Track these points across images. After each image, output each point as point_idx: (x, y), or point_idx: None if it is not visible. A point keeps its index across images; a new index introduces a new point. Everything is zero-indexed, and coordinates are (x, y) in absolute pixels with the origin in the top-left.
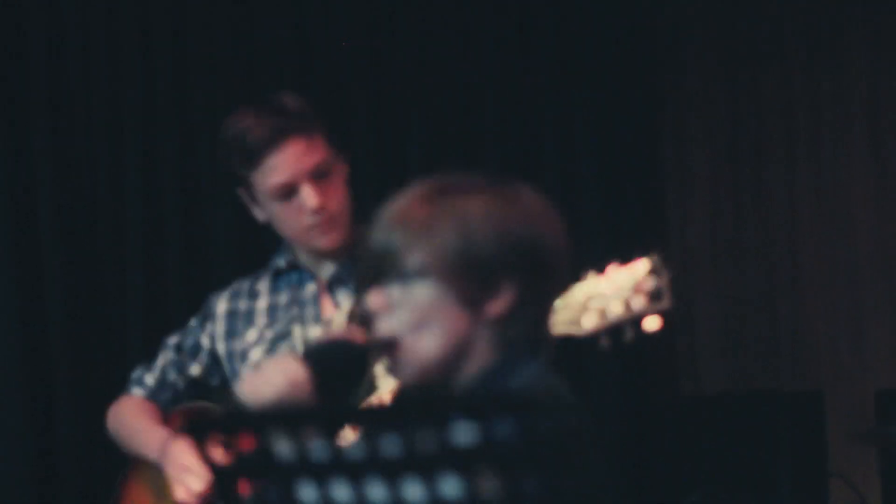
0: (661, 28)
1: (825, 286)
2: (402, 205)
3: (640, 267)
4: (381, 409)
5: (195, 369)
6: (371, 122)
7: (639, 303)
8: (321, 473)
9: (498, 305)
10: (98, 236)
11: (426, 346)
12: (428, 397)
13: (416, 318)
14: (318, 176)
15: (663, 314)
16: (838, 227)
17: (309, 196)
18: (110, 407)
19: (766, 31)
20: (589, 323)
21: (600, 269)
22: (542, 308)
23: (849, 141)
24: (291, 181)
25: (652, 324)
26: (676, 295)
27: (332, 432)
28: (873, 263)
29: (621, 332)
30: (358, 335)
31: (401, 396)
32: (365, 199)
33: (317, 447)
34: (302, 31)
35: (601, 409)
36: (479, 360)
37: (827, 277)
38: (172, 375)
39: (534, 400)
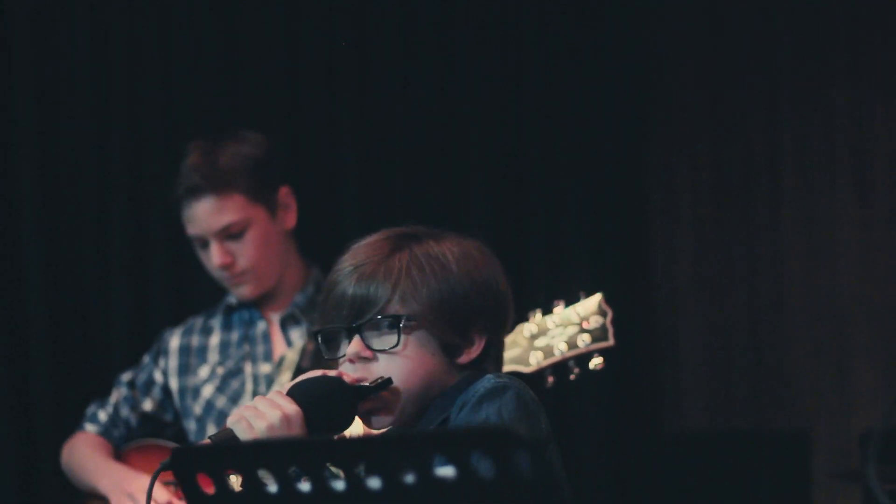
0: (650, 69)
1: (810, 325)
2: (374, 252)
3: (586, 305)
4: (366, 445)
5: (148, 405)
6: (355, 141)
7: (583, 341)
8: None
9: (471, 354)
10: (82, 256)
11: (408, 390)
12: (409, 433)
13: (402, 365)
14: (228, 236)
15: (607, 352)
16: (823, 266)
17: (215, 254)
18: (64, 444)
19: (753, 71)
20: (535, 361)
21: (547, 308)
22: (500, 351)
23: (834, 181)
24: (202, 236)
25: (596, 362)
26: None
27: (318, 467)
28: (858, 303)
29: (566, 369)
30: (346, 373)
31: (383, 433)
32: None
33: (302, 482)
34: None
35: (583, 446)
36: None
37: (812, 317)
38: (125, 411)
39: (512, 433)
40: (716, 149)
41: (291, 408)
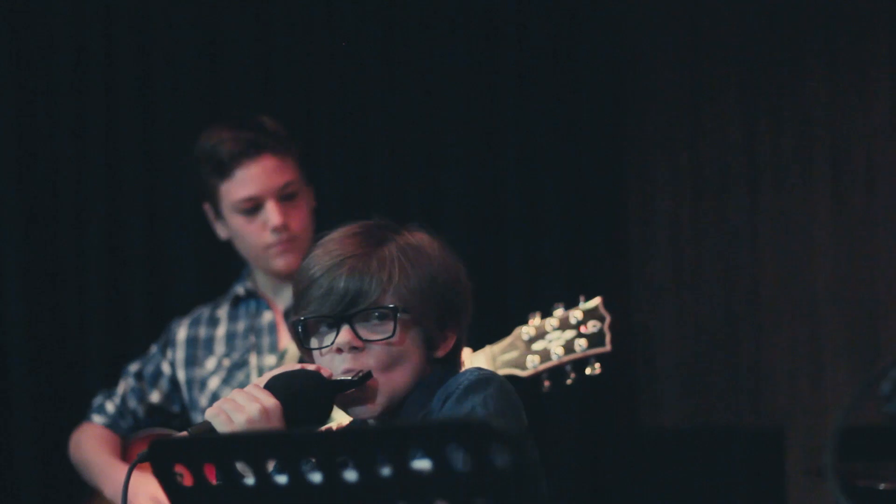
0: (626, 68)
1: (785, 323)
2: (361, 244)
3: (585, 309)
4: (342, 437)
5: (155, 396)
6: (335, 140)
7: (580, 346)
8: (282, 501)
9: (445, 348)
10: (59, 256)
11: (392, 381)
12: (385, 426)
13: (393, 356)
14: (285, 197)
15: (604, 358)
16: (799, 265)
17: (273, 213)
18: (72, 435)
19: (728, 69)
20: (531, 364)
21: (547, 311)
22: (463, 342)
23: (810, 179)
24: (259, 195)
25: (592, 368)
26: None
27: (295, 459)
28: (833, 301)
29: (563, 374)
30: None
31: (358, 426)
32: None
33: (279, 474)
34: (270, 58)
35: (559, 441)
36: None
37: (787, 314)
38: (133, 403)
39: (488, 426)
40: (693, 149)
41: (270, 401)
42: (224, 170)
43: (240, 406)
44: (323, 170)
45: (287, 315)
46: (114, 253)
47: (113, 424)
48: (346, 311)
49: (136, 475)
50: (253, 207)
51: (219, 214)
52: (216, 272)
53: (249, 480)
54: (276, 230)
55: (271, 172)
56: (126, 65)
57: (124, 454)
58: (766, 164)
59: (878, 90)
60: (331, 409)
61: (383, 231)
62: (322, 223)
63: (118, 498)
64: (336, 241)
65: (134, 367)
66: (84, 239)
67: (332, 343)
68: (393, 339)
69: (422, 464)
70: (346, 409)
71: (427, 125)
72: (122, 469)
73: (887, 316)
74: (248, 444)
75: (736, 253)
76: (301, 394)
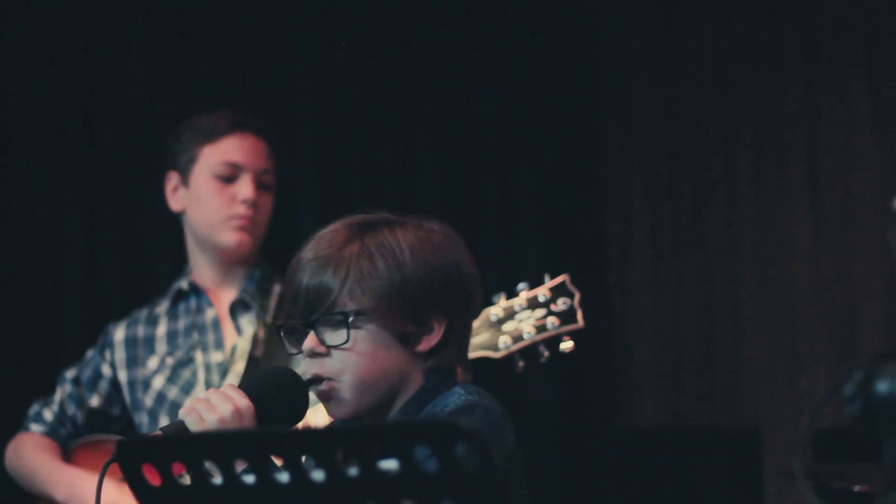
0: (605, 66)
1: (763, 325)
2: (329, 243)
3: (553, 287)
4: (308, 437)
5: (95, 400)
6: (314, 120)
7: (552, 323)
8: (250, 501)
9: (431, 340)
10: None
11: (363, 385)
12: (353, 426)
13: (357, 360)
14: (261, 183)
15: (576, 334)
16: (777, 266)
17: (248, 186)
18: (8, 445)
19: (707, 70)
20: (504, 345)
21: (512, 292)
22: (465, 334)
23: (788, 181)
24: (241, 165)
25: (566, 345)
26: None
27: (262, 459)
28: (811, 302)
29: (536, 353)
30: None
31: (329, 426)
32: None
33: (247, 474)
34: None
35: (537, 441)
36: (412, 389)
37: (765, 316)
38: (71, 409)
39: (456, 427)
40: (671, 150)
41: (243, 402)
42: (214, 135)
43: (213, 406)
44: (303, 154)
45: (232, 309)
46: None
47: (52, 432)
48: (309, 316)
49: (87, 481)
50: (230, 176)
51: (185, 181)
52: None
53: (217, 480)
54: (245, 202)
55: (258, 152)
56: (104, 58)
57: (66, 461)
58: (745, 166)
59: (856, 92)
60: (306, 409)
61: (360, 228)
62: (301, 204)
63: (71, 500)
64: (313, 241)
65: (71, 373)
66: (59, 231)
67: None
68: (348, 345)
69: (389, 464)
70: (325, 407)
71: (404, 115)
72: (72, 472)
73: (865, 318)
74: (215, 443)
75: (714, 255)
76: (275, 393)
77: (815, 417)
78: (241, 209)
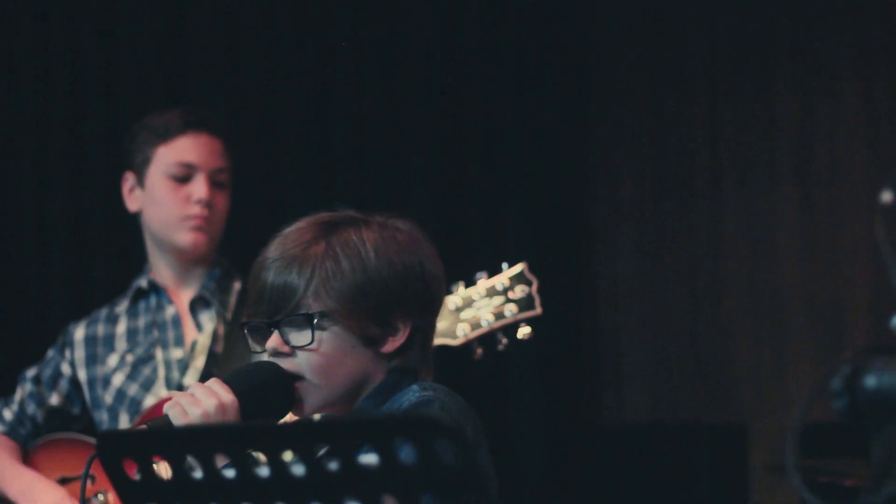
0: (591, 61)
1: (749, 319)
2: (294, 243)
3: (510, 275)
4: (289, 431)
5: (54, 399)
6: (292, 128)
7: (510, 311)
8: (230, 495)
9: (396, 341)
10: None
11: (328, 385)
12: (332, 421)
13: (321, 361)
14: (216, 182)
15: (535, 321)
16: (763, 260)
17: (202, 186)
18: None
19: (694, 65)
20: (462, 333)
21: (470, 280)
22: (430, 333)
23: (774, 176)
24: (195, 165)
25: (524, 331)
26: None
27: (242, 453)
28: (797, 297)
29: (495, 340)
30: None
31: (307, 421)
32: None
33: (227, 468)
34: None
35: (523, 435)
36: (373, 385)
37: (751, 310)
38: (31, 408)
39: (434, 421)
40: (657, 146)
41: (228, 397)
42: (167, 135)
43: (196, 400)
44: (284, 145)
45: (192, 306)
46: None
47: (11, 432)
48: (273, 316)
49: (40, 483)
50: (185, 176)
51: (140, 182)
52: None
53: (198, 474)
54: (200, 202)
55: (212, 151)
56: (90, 51)
57: (25, 460)
58: (731, 160)
59: (843, 87)
60: (290, 404)
61: (326, 227)
62: (285, 196)
63: (22, 496)
64: (280, 239)
65: (31, 373)
66: (45, 225)
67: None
68: (313, 346)
69: (369, 458)
70: (294, 407)
71: (392, 113)
72: (28, 474)
73: (851, 313)
74: (195, 437)
75: (700, 250)
76: (259, 388)
77: (804, 412)
78: (196, 209)
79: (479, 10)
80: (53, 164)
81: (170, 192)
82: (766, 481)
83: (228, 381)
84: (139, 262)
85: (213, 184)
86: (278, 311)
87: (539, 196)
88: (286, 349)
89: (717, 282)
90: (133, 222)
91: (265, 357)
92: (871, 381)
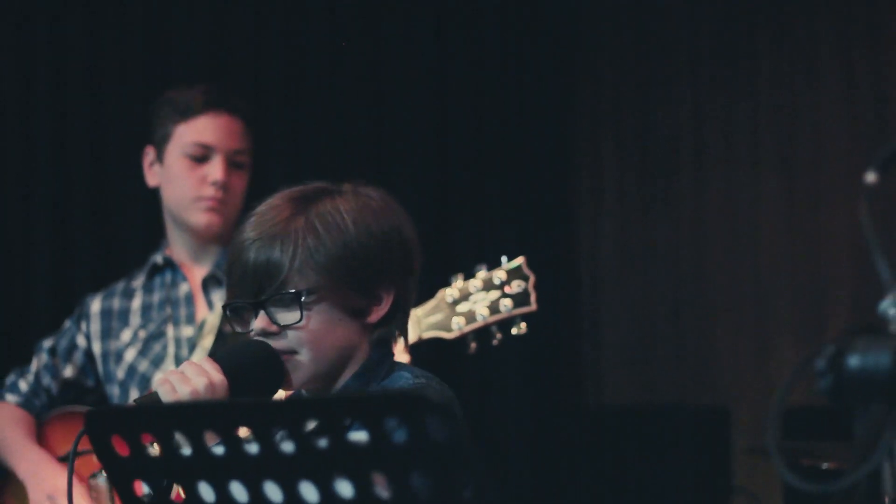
0: (576, 44)
1: (732, 302)
2: (273, 220)
3: (508, 270)
4: (278, 408)
5: (69, 371)
6: (287, 120)
7: (505, 306)
8: (219, 473)
9: (380, 311)
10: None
11: (319, 358)
12: (322, 398)
13: (311, 337)
14: (233, 162)
15: (529, 317)
16: (746, 244)
17: (218, 167)
18: None
19: (679, 50)
20: (457, 326)
21: (469, 273)
22: (409, 299)
23: (758, 158)
24: (213, 146)
25: (519, 328)
26: (584, 309)
27: (230, 430)
28: (779, 281)
29: (489, 334)
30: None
31: (296, 398)
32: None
33: (216, 446)
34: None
35: (506, 419)
36: (359, 359)
37: (733, 294)
38: (46, 379)
39: (425, 399)
40: (641, 127)
41: (217, 376)
42: (189, 111)
43: (186, 378)
44: (279, 137)
45: (205, 284)
46: (58, 215)
47: (26, 403)
48: (258, 297)
49: (49, 466)
50: (202, 156)
51: (160, 157)
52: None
53: (187, 451)
54: (215, 184)
55: (232, 132)
56: (75, 39)
57: (39, 433)
58: (715, 145)
59: (826, 71)
60: (280, 383)
61: (302, 201)
62: (271, 186)
63: (34, 487)
64: (256, 217)
65: (47, 343)
66: (28, 203)
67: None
68: (301, 324)
69: (358, 435)
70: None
71: (379, 102)
72: (38, 454)
73: (833, 296)
74: (185, 414)
75: (683, 233)
76: (249, 366)
77: (786, 393)
78: (211, 191)
79: (462, 6)
80: (39, 144)
81: (186, 171)
82: (748, 464)
83: (219, 360)
84: (125, 237)
85: (231, 164)
86: (262, 290)
87: (522, 182)
88: (274, 328)
89: (699, 266)
90: (115, 198)
91: (253, 336)
92: (854, 360)
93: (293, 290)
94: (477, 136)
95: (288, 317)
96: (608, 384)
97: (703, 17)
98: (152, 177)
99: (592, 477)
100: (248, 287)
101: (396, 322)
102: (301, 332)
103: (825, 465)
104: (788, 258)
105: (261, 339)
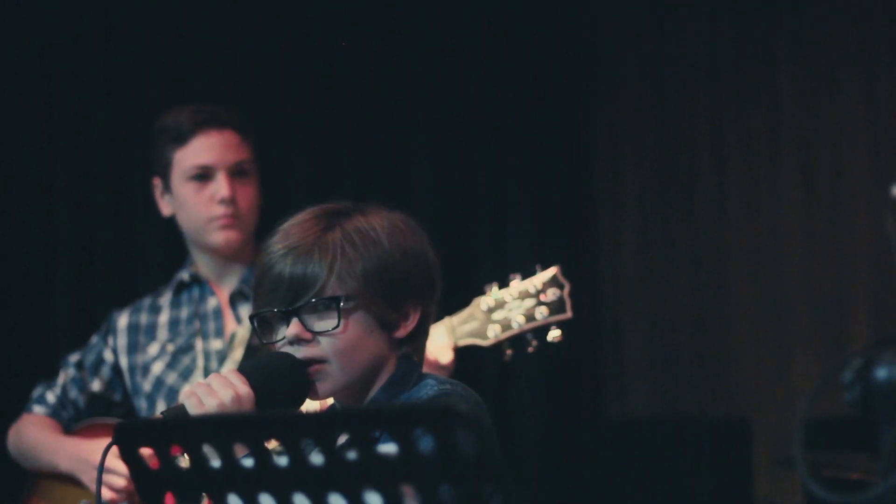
0: (593, 58)
1: (754, 313)
2: (305, 233)
3: (543, 278)
4: (308, 421)
5: (96, 385)
6: (304, 129)
7: (541, 313)
8: (248, 485)
9: (408, 327)
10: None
11: (350, 368)
12: (351, 410)
13: (344, 345)
14: (237, 173)
15: (565, 323)
16: (767, 254)
17: (223, 185)
18: (11, 427)
19: (698, 58)
20: (493, 334)
21: (504, 282)
22: (431, 319)
23: (779, 168)
24: (212, 165)
25: (554, 334)
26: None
27: (260, 443)
28: (801, 291)
29: (524, 342)
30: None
31: (326, 411)
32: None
33: (245, 458)
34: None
35: (527, 430)
36: (387, 374)
37: (755, 304)
38: (73, 392)
39: (453, 411)
40: (661, 139)
41: (244, 388)
42: (182, 137)
43: (213, 391)
44: (293, 147)
45: (232, 299)
46: (80, 231)
47: (54, 414)
48: (293, 304)
49: (90, 453)
50: (204, 176)
51: (167, 187)
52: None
53: (216, 463)
54: (223, 202)
55: (227, 146)
56: (94, 52)
57: None
58: (736, 156)
59: (846, 81)
60: (306, 395)
61: (333, 216)
62: (293, 202)
63: (79, 467)
64: (286, 230)
65: (74, 358)
66: (50, 216)
67: (284, 337)
68: (338, 330)
69: (388, 448)
70: (311, 389)
71: (397, 113)
72: (77, 443)
73: (854, 307)
74: (214, 426)
75: (704, 243)
76: (276, 379)
77: (812, 404)
78: (221, 209)
79: (483, 9)
80: (58, 163)
81: (193, 194)
82: (770, 475)
83: (244, 372)
84: (145, 263)
85: (235, 176)
86: (298, 299)
87: (542, 190)
88: (308, 335)
89: (720, 276)
90: (136, 215)
91: (280, 346)
92: (882, 372)
93: (332, 296)
94: (497, 145)
95: (322, 324)
96: (629, 395)
97: (723, 26)
98: (165, 207)
99: (614, 488)
100: (281, 297)
101: (422, 342)
102: (335, 339)
103: (850, 477)
104: (809, 270)
105: (290, 349)
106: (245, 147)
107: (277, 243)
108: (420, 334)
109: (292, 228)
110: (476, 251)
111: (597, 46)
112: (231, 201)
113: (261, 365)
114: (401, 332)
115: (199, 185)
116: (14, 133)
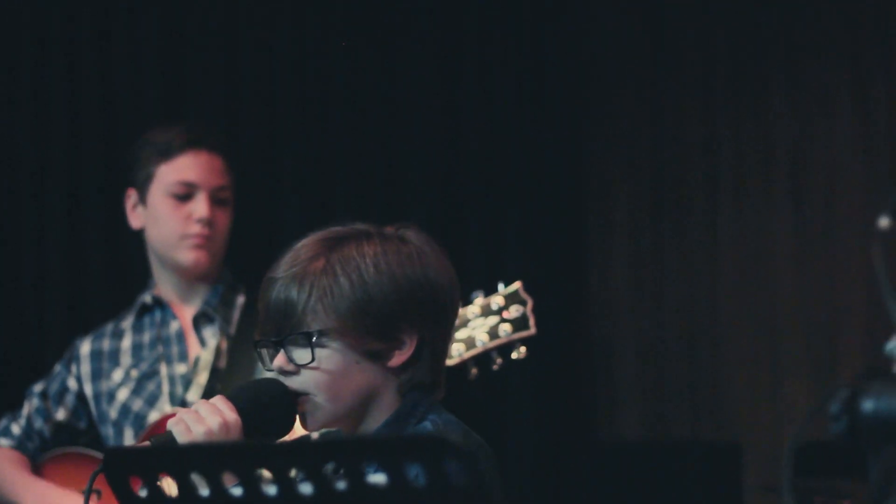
0: (587, 78)
1: (744, 337)
2: (295, 259)
3: (506, 295)
4: (297, 450)
5: (61, 414)
6: (294, 140)
7: (505, 331)
8: None
9: (403, 355)
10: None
11: (335, 401)
12: (341, 440)
13: (326, 379)
14: (217, 199)
15: (529, 341)
16: (758, 278)
17: (203, 204)
18: None
19: (689, 81)
20: (457, 353)
21: (467, 300)
22: (441, 346)
23: (771, 192)
24: (196, 184)
25: (518, 352)
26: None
27: (249, 471)
28: (792, 315)
29: (490, 360)
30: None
31: (318, 439)
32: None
33: (234, 487)
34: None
35: (517, 453)
36: (387, 405)
37: (746, 328)
38: (38, 423)
39: (444, 442)
40: (653, 158)
41: (232, 416)
42: (170, 152)
43: (201, 418)
44: (287, 158)
45: (196, 321)
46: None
47: (20, 446)
48: (279, 334)
49: (55, 491)
50: (185, 194)
51: (142, 199)
52: None
53: (204, 492)
54: (201, 221)
55: (213, 169)
56: (88, 62)
57: (35, 474)
58: (727, 179)
59: (839, 106)
60: (293, 422)
61: (326, 243)
62: (288, 209)
63: None
64: (288, 256)
65: (38, 388)
66: (42, 236)
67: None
68: (314, 364)
69: (377, 479)
70: (301, 419)
71: (389, 126)
72: (43, 485)
73: (846, 333)
74: (202, 454)
75: (695, 268)
76: (264, 406)
77: (800, 437)
78: (197, 228)
79: (476, 21)
80: (51, 177)
81: (171, 210)
82: (760, 500)
83: (232, 398)
84: (137, 276)
85: (215, 201)
86: (282, 329)
87: (534, 212)
88: (291, 367)
89: (711, 301)
90: (131, 237)
91: (275, 376)
92: (869, 404)
93: (305, 332)
94: (487, 165)
95: (303, 356)
96: (619, 419)
97: (716, 50)
98: (136, 219)
99: None
100: (271, 326)
101: (427, 367)
102: (316, 373)
103: (842, 503)
104: (801, 295)
105: (280, 377)
106: (229, 175)
107: (275, 268)
108: (422, 360)
109: (290, 254)
110: (465, 271)
111: (589, 66)
112: (208, 223)
113: (249, 391)
114: (395, 361)
115: (179, 202)
116: (8, 137)
